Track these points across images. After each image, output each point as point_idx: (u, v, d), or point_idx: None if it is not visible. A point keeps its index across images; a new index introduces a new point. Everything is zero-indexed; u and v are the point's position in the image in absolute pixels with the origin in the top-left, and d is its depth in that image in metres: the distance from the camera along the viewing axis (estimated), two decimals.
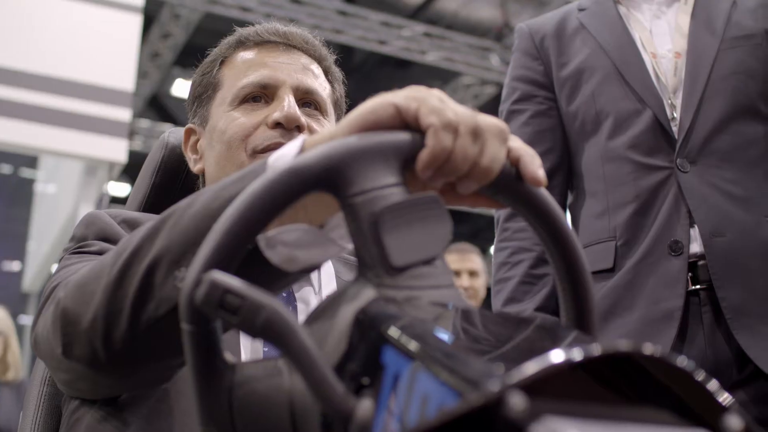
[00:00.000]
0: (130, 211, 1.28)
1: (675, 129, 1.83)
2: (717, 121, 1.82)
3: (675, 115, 1.85)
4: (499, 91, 11.30)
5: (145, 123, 11.62)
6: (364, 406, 0.59)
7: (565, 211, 2.03)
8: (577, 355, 0.44)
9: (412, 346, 0.56)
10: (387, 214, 0.67)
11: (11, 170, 14.02)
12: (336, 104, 1.45)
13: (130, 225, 1.22)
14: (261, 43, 1.40)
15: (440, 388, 0.49)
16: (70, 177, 6.74)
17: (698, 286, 1.75)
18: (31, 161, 11.06)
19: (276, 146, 1.27)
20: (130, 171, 6.52)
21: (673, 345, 1.70)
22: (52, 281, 1.07)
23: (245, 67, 1.37)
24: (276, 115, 1.29)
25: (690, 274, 1.75)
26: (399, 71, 11.97)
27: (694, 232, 1.76)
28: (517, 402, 0.42)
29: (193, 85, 1.46)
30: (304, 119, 1.31)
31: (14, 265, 13.39)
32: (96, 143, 5.36)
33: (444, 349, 0.54)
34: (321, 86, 1.39)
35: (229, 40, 1.44)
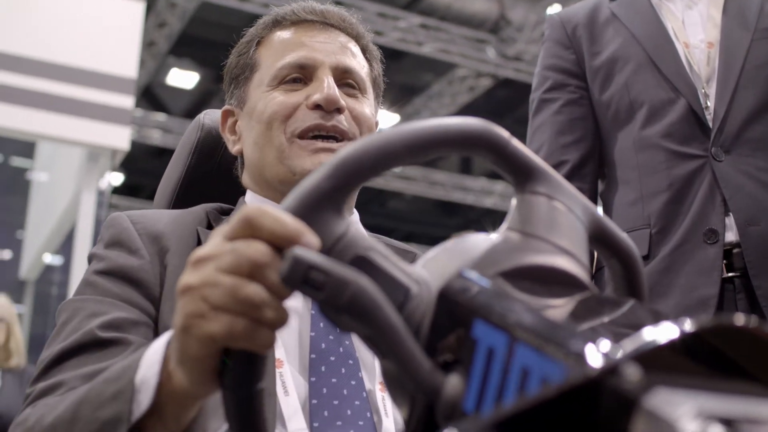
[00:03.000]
0: (157, 218, 1.28)
1: (709, 118, 1.85)
2: (751, 111, 1.84)
3: (708, 104, 1.86)
4: (494, 84, 11.31)
5: (138, 112, 11.57)
6: (452, 382, 0.59)
7: (596, 199, 2.05)
8: (684, 329, 0.44)
9: (508, 319, 0.55)
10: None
11: (3, 159, 13.93)
12: (374, 82, 1.44)
13: (152, 239, 1.22)
14: (298, 22, 1.39)
15: (544, 362, 0.49)
16: (67, 165, 6.71)
17: (733, 274, 1.76)
18: (26, 150, 10.98)
19: (316, 128, 1.28)
20: (124, 160, 6.49)
21: None
22: (66, 315, 1.13)
23: (282, 47, 1.36)
24: (316, 96, 1.29)
25: (725, 261, 1.77)
26: (394, 63, 11.95)
27: (729, 220, 1.78)
28: (632, 372, 0.41)
29: (229, 66, 1.45)
30: (343, 101, 1.30)
31: (5, 254, 13.31)
32: (98, 130, 5.34)
33: (540, 321, 0.54)
34: (359, 65, 1.38)
35: (265, 19, 1.43)
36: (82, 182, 5.78)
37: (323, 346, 1.19)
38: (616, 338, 0.46)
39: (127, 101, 5.44)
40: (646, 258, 1.83)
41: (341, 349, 1.20)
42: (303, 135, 1.29)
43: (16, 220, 11.29)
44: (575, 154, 1.99)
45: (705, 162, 1.82)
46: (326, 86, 1.29)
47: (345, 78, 1.35)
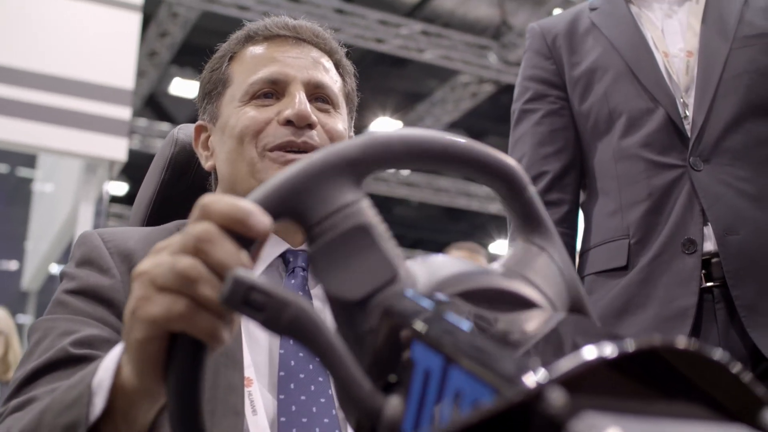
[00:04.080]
0: (128, 235, 1.27)
1: (688, 127, 1.84)
2: (729, 120, 1.83)
3: (687, 113, 1.85)
4: (497, 90, 11.32)
5: (142, 122, 11.61)
6: (393, 404, 0.58)
7: (577, 209, 2.04)
8: (614, 350, 0.44)
9: (443, 341, 0.55)
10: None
11: (8, 170, 13.98)
12: (347, 97, 1.44)
13: (123, 257, 1.21)
14: (270, 37, 1.39)
15: (474, 385, 0.49)
16: (69, 176, 6.72)
17: (712, 284, 1.75)
18: (29, 160, 11.03)
19: (287, 144, 1.28)
20: (128, 170, 6.51)
21: None
22: (38, 335, 1.12)
23: (255, 63, 1.36)
24: (287, 112, 1.28)
25: (703, 271, 1.76)
26: (396, 69, 11.96)
27: (708, 230, 1.77)
28: (556, 397, 0.41)
29: (202, 81, 1.44)
30: (314, 116, 1.30)
31: (12, 265, 13.35)
32: (96, 142, 5.34)
33: (475, 343, 0.54)
34: (332, 80, 1.38)
35: (238, 35, 1.43)
36: (80, 193, 5.79)
37: (292, 363, 1.18)
38: (551, 360, 0.45)
39: (124, 112, 5.44)
40: (625, 269, 1.82)
41: (311, 366, 1.19)
42: (274, 150, 1.29)
43: (22, 230, 11.33)
44: (556, 165, 1.98)
45: (683, 172, 1.81)
46: (297, 102, 1.29)
47: (317, 93, 1.35)
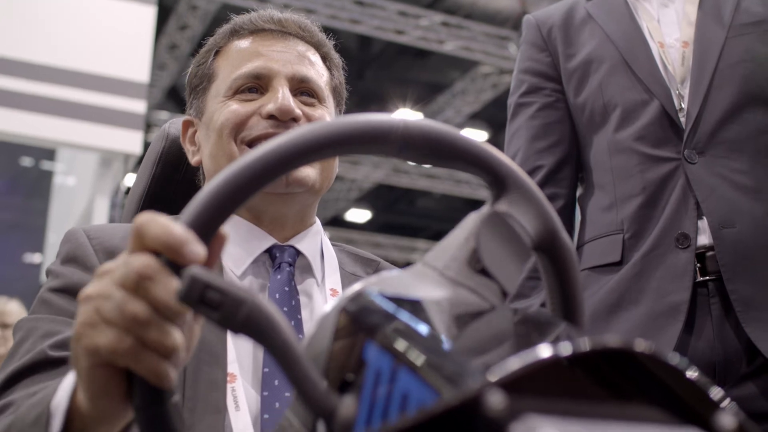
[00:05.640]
0: (114, 232, 1.26)
1: (683, 119, 1.80)
2: (725, 111, 1.79)
3: (683, 105, 1.82)
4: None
5: (163, 115, 11.67)
6: (346, 404, 0.58)
7: (574, 204, 2.01)
8: (564, 350, 0.43)
9: (394, 342, 0.55)
10: None
11: (32, 163, 14.12)
12: (335, 90, 1.43)
13: (108, 254, 1.21)
14: (255, 31, 1.38)
15: (419, 386, 0.48)
16: (87, 169, 6.78)
17: (707, 278, 1.72)
18: (50, 153, 11.13)
19: (267, 136, 1.27)
20: None
21: (679, 339, 1.67)
22: (21, 334, 1.12)
23: (239, 58, 1.35)
24: (270, 106, 1.28)
25: (699, 265, 1.72)
26: (417, 61, 11.94)
27: (703, 223, 1.74)
28: (495, 401, 0.41)
29: (189, 76, 1.44)
30: (298, 110, 1.29)
31: (35, 257, 13.50)
32: (111, 135, 5.38)
33: (427, 345, 0.53)
34: (317, 74, 1.37)
35: (224, 28, 1.43)
36: (96, 187, 5.83)
37: None
38: (496, 362, 0.44)
39: (139, 106, 5.48)
40: (620, 263, 1.79)
41: (274, 360, 1.18)
42: (253, 142, 1.29)
43: (44, 223, 11.45)
44: (550, 159, 1.95)
45: (678, 165, 1.78)
46: (280, 96, 1.29)
47: (302, 87, 1.34)
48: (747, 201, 1.73)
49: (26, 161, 14.35)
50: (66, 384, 0.82)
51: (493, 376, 0.42)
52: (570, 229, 1.98)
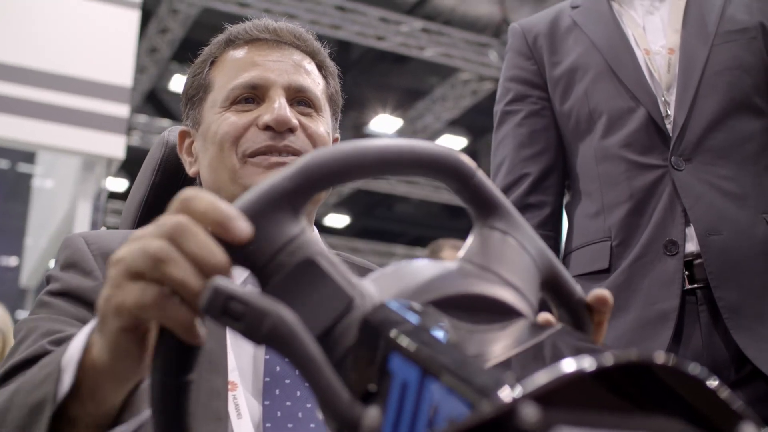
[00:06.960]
0: (112, 238, 1.26)
1: (669, 127, 1.81)
2: (712, 118, 1.80)
3: (669, 112, 1.83)
4: (497, 87, 11.38)
5: (142, 118, 11.62)
6: (371, 415, 0.58)
7: (561, 211, 2.02)
8: (590, 365, 0.44)
9: (421, 353, 0.55)
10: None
11: (8, 165, 13.98)
12: (331, 99, 1.43)
13: (107, 260, 1.21)
14: (251, 41, 1.38)
15: (450, 398, 0.48)
16: (68, 172, 6.72)
17: (695, 285, 1.73)
18: (29, 156, 11.02)
19: (267, 149, 1.27)
20: (128, 166, 6.50)
21: (668, 346, 1.68)
22: (21, 335, 1.11)
23: (235, 68, 1.35)
24: (266, 117, 1.28)
25: (686, 273, 1.73)
26: (397, 66, 11.95)
27: (690, 230, 1.74)
28: (529, 413, 0.41)
29: (185, 86, 1.44)
30: (295, 120, 1.29)
31: (11, 261, 13.36)
32: (94, 139, 5.33)
33: (453, 356, 0.53)
34: (314, 83, 1.37)
35: (219, 38, 1.41)
36: (78, 190, 5.78)
37: (278, 369, 1.18)
38: (527, 374, 0.45)
39: (122, 110, 5.44)
40: (607, 271, 1.80)
41: (297, 372, 1.19)
42: (254, 155, 1.28)
43: (22, 226, 11.34)
44: (536, 167, 1.96)
45: (665, 172, 1.79)
46: (277, 107, 1.28)
47: (298, 97, 1.34)
48: (733, 208, 1.74)
49: (2, 163, 14.21)
50: (78, 340, 0.81)
51: (526, 389, 0.43)
52: (558, 237, 1.99)
